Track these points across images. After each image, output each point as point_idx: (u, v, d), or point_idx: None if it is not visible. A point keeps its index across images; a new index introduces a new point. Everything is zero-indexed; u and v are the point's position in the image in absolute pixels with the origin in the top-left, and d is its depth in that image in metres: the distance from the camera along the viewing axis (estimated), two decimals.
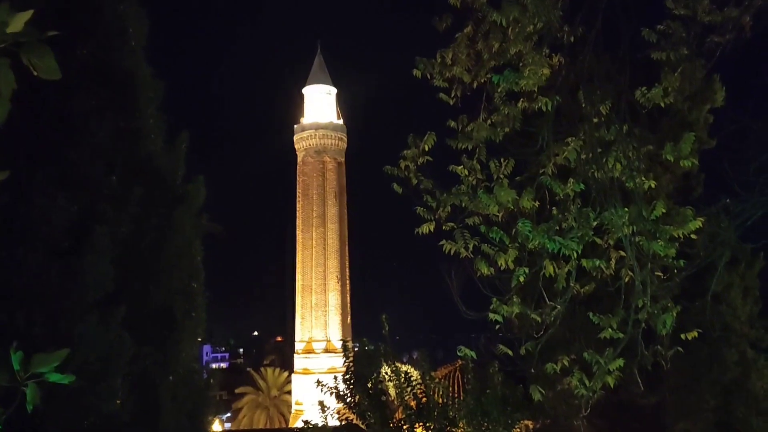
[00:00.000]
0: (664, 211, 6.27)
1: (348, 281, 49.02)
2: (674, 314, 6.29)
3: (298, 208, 48.41)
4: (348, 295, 48.69)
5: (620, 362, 6.24)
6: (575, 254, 5.36)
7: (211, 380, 10.22)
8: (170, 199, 8.07)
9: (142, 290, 7.51)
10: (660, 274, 6.28)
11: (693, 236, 6.43)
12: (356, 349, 13.41)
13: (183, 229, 8.00)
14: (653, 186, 6.50)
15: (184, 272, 8.08)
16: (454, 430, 11.91)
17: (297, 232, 48.32)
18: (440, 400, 12.17)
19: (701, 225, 6.24)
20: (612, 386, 6.36)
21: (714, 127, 13.00)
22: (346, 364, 13.05)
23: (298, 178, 48.69)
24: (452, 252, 5.93)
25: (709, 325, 9.65)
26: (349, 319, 48.16)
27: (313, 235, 47.08)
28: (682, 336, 6.52)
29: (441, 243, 5.97)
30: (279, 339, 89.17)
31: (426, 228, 6.31)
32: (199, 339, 8.46)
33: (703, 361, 11.45)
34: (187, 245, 8.22)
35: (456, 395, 12.32)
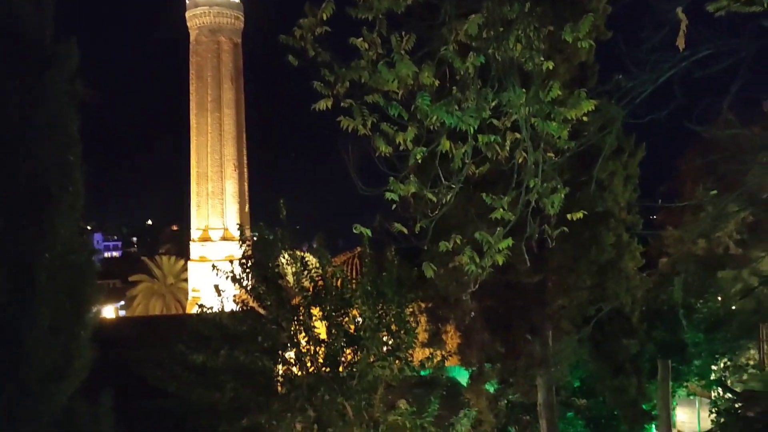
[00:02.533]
0: (559, 93, 6.32)
1: (246, 169, 48.04)
2: (562, 195, 6.52)
3: (191, 91, 46.00)
4: (246, 184, 47.88)
5: (509, 241, 6.46)
6: (472, 130, 5.32)
7: (94, 259, 9.77)
8: (37, 61, 7.21)
9: (9, 164, 6.83)
10: (552, 155, 6.43)
11: (585, 118, 6.57)
12: (255, 238, 13.28)
13: (53, 95, 7.21)
14: (551, 68, 6.49)
15: (57, 143, 7.37)
16: (349, 311, 12.24)
17: (191, 116, 46.17)
18: (337, 284, 12.39)
19: (594, 107, 6.37)
20: (501, 264, 6.61)
21: (611, 17, 13.18)
22: (243, 250, 12.93)
23: (191, 59, 45.92)
24: (350, 129, 5.75)
25: (592, 209, 10.19)
26: (247, 207, 47.67)
27: (208, 120, 45.25)
28: (569, 216, 6.81)
29: (339, 119, 5.76)
30: (174, 228, 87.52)
31: (323, 104, 6.05)
32: (78, 216, 7.89)
33: (583, 243, 12.23)
34: (60, 113, 7.44)
35: (354, 279, 12.57)
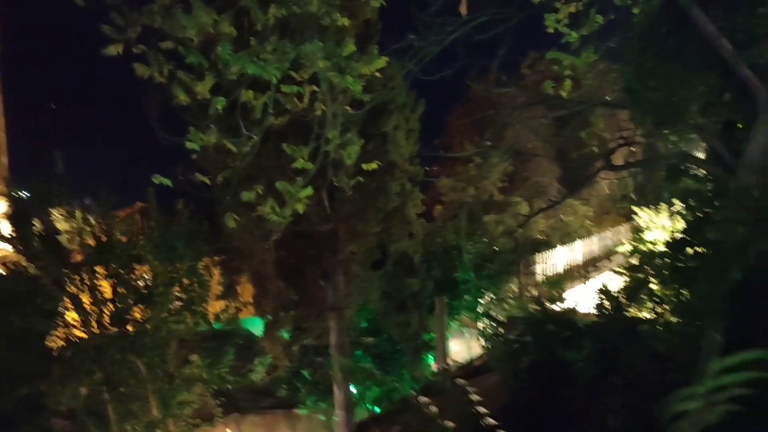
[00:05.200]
0: (354, 49, 6.64)
1: (3, 117, 42.17)
2: (359, 147, 6.93)
3: None
4: (3, 132, 42.12)
5: (310, 191, 6.74)
6: (275, 79, 5.43)
7: None
8: None
9: None
10: (348, 108, 6.77)
11: (377, 74, 7.00)
12: (25, 193, 11.96)
13: None
14: (347, 24, 6.77)
15: None
16: (138, 267, 11.74)
17: None
18: (123, 239, 11.76)
19: (385, 64, 6.80)
20: (301, 213, 6.88)
21: None
22: (7, 206, 11.63)
23: None
24: (146, 77, 5.50)
25: (381, 160, 10.80)
26: (5, 158, 42.10)
27: None
28: (364, 167, 7.26)
29: (133, 66, 5.48)
30: None
31: (114, 50, 5.69)
32: None
33: (371, 193, 12.97)
34: None
35: (143, 233, 11.98)
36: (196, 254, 12.21)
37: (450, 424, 9.10)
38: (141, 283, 11.75)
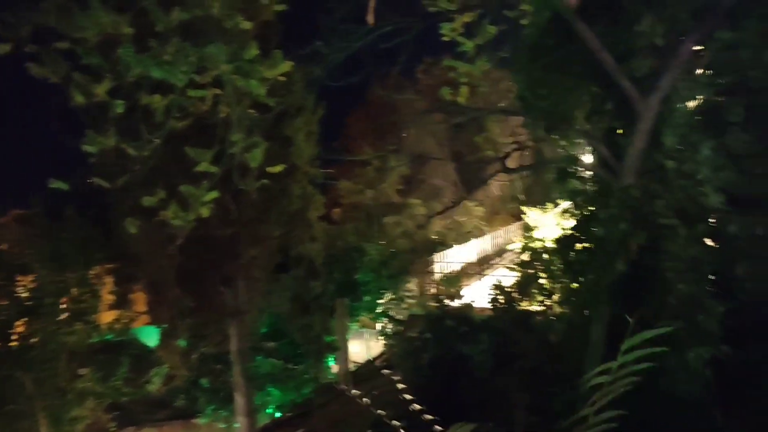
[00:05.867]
0: (257, 52, 6.67)
1: None
2: (263, 149, 6.95)
3: None
4: None
5: (214, 194, 6.69)
6: (181, 84, 5.38)
7: None
8: None
9: None
10: (253, 111, 6.78)
11: (281, 78, 7.05)
12: None
13: None
14: (249, 28, 6.78)
15: None
16: (23, 278, 11.09)
17: None
18: (3, 247, 11.08)
19: (290, 68, 6.88)
20: (206, 216, 6.81)
21: None
22: None
23: None
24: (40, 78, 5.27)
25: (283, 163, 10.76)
26: None
27: None
28: (269, 170, 7.27)
29: (27, 65, 5.24)
30: None
31: (2, 49, 5.42)
32: None
33: (273, 195, 12.87)
34: None
35: (26, 242, 11.28)
36: (87, 262, 11.68)
37: (381, 412, 9.25)
38: (25, 294, 11.10)
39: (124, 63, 5.24)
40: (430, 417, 7.61)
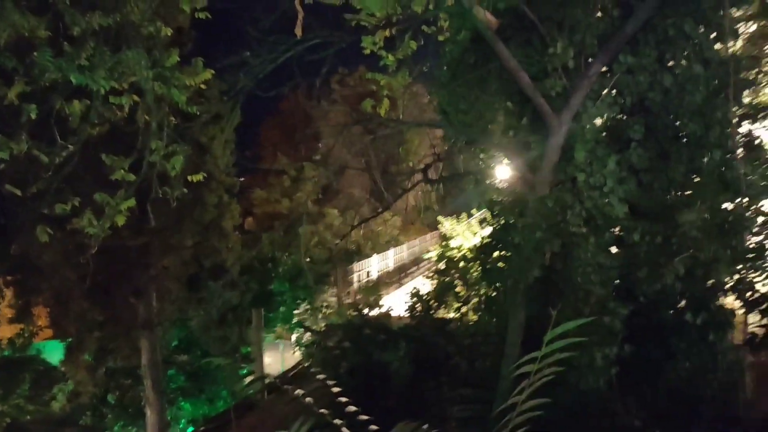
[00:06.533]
0: (178, 59, 6.59)
1: None
2: (182, 158, 6.85)
3: None
4: None
5: (131, 202, 6.53)
6: (103, 90, 5.25)
7: None
8: None
9: None
10: (174, 119, 6.66)
11: (203, 86, 6.99)
12: None
13: None
14: (170, 34, 6.68)
15: None
16: None
17: None
18: None
19: (211, 76, 6.83)
20: (121, 225, 6.63)
21: None
22: None
23: None
24: None
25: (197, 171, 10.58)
26: None
27: None
28: (189, 178, 7.16)
29: None
30: None
31: None
32: None
33: (186, 204, 12.58)
34: None
35: None
36: None
37: (324, 411, 9.19)
38: None
39: (41, 66, 5.05)
40: (365, 417, 7.68)
